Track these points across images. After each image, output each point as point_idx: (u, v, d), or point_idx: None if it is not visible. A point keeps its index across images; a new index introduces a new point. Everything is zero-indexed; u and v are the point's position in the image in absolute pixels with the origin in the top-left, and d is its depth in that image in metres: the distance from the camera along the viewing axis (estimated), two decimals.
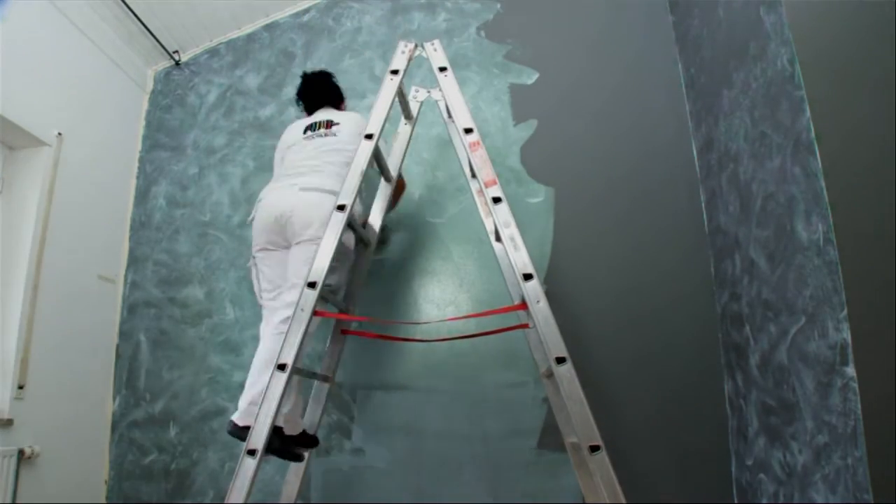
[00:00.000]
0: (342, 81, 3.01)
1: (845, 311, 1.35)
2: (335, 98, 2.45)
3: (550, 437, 2.28)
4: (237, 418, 1.84)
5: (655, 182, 2.44)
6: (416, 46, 2.03)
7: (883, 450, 1.28)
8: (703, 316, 2.19)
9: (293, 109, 3.04)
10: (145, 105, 3.30)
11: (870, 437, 1.29)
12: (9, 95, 2.35)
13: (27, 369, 2.35)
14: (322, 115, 2.30)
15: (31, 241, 2.44)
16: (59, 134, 2.62)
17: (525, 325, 1.87)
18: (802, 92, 1.49)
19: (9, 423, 2.26)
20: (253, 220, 2.09)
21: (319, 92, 2.41)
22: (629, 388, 2.25)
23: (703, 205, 2.41)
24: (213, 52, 3.31)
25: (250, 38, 3.28)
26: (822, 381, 1.48)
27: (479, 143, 1.79)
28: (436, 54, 1.97)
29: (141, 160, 3.19)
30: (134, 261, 3.00)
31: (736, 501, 2.02)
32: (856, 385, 1.32)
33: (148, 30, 3.06)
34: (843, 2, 1.52)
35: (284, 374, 1.58)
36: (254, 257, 2.09)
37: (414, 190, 2.75)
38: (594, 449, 1.40)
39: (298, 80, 3.05)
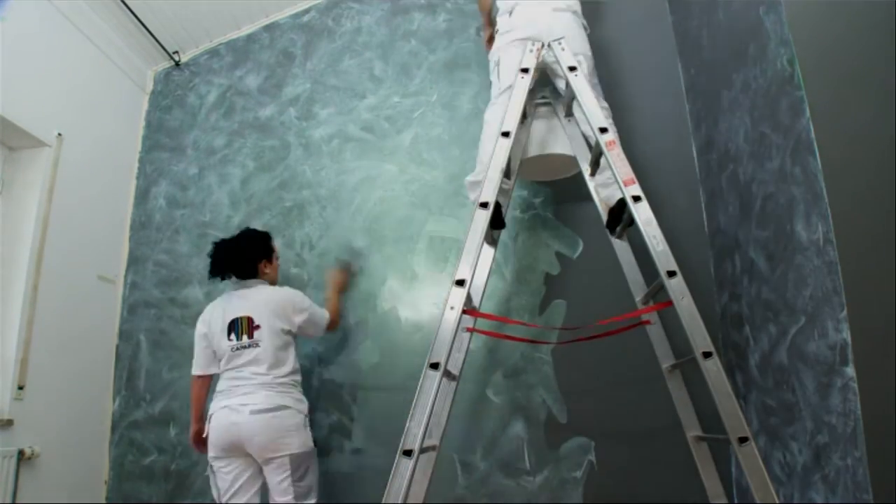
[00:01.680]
0: (342, 81, 3.04)
1: (845, 312, 1.35)
2: (248, 265, 2.27)
3: (555, 435, 2.28)
4: None
5: (655, 182, 2.43)
6: (542, 46, 2.03)
7: (883, 450, 1.28)
8: (702, 316, 2.19)
9: (293, 110, 3.04)
10: (145, 105, 3.30)
11: (869, 437, 1.29)
12: (9, 95, 2.35)
13: (27, 369, 2.35)
14: (238, 304, 2.18)
15: (31, 242, 2.44)
16: (59, 134, 2.62)
17: (647, 322, 1.89)
18: (802, 92, 1.49)
19: (9, 423, 2.25)
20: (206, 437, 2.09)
21: (229, 262, 2.26)
22: (628, 388, 2.25)
23: (703, 205, 2.41)
24: (212, 53, 3.31)
25: (250, 38, 3.28)
26: (821, 381, 1.48)
27: (615, 142, 1.81)
28: (563, 53, 1.98)
29: (141, 161, 3.19)
30: (134, 261, 2.99)
31: (736, 501, 2.02)
32: (855, 385, 1.32)
33: (148, 30, 3.06)
34: (843, 2, 1.52)
35: (437, 372, 1.57)
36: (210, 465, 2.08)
37: (413, 189, 2.75)
38: (742, 440, 1.40)
39: (298, 82, 3.05)
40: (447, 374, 1.67)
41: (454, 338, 1.62)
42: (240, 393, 2.04)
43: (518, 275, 2.50)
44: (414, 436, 1.52)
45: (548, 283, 2.47)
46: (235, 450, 2.00)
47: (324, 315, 2.30)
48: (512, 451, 2.30)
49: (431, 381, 1.57)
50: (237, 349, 2.11)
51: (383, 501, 1.45)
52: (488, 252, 2.05)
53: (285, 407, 2.03)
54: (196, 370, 2.21)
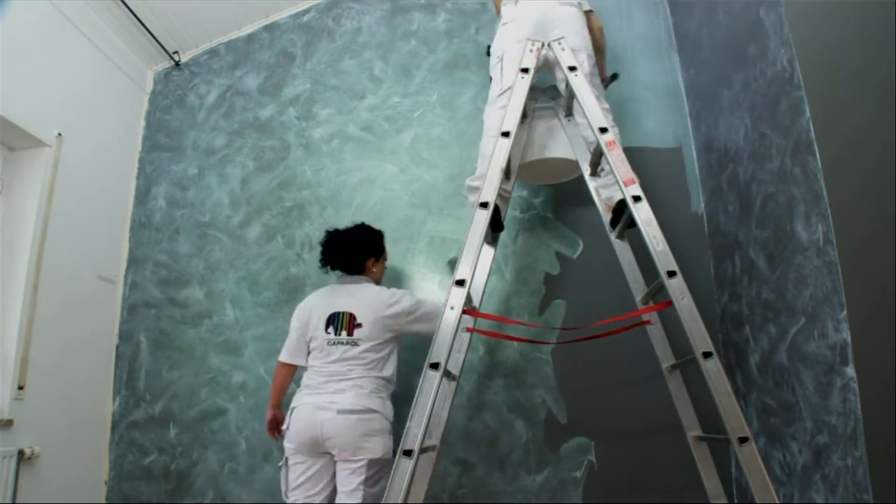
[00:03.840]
0: (342, 81, 3.04)
1: (845, 312, 1.35)
2: (357, 260, 2.20)
3: (555, 435, 2.28)
4: None
5: (655, 182, 2.44)
6: (543, 46, 2.01)
7: (883, 450, 1.28)
8: (702, 316, 2.19)
9: (293, 110, 3.04)
10: (145, 105, 3.30)
11: (869, 437, 1.29)
12: (9, 95, 2.35)
13: (27, 370, 2.35)
14: (342, 300, 2.12)
15: (31, 242, 2.44)
16: (59, 134, 2.61)
17: (647, 322, 1.89)
18: (802, 92, 1.49)
19: (9, 423, 2.25)
20: (287, 429, 2.01)
21: (339, 254, 2.21)
22: (629, 388, 2.26)
23: (703, 205, 2.41)
24: (212, 53, 3.31)
25: (250, 38, 3.28)
26: (821, 381, 1.48)
27: (615, 142, 1.79)
28: (563, 53, 1.97)
29: (141, 161, 3.19)
30: (134, 261, 2.99)
31: (736, 501, 2.02)
32: (855, 385, 1.32)
33: (148, 30, 3.06)
34: (843, 2, 1.52)
35: (437, 372, 1.57)
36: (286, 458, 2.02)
37: (413, 189, 2.75)
38: (742, 440, 1.40)
39: (298, 82, 3.01)
40: (447, 374, 1.67)
41: (454, 338, 1.62)
42: (329, 390, 1.97)
43: (518, 275, 2.50)
44: (414, 436, 1.52)
45: (548, 283, 2.47)
46: (315, 446, 1.93)
47: (436, 309, 2.07)
48: (512, 451, 2.31)
49: (431, 382, 1.57)
50: (333, 343, 2.04)
51: (384, 501, 1.45)
52: (488, 252, 2.05)
53: (373, 410, 1.95)
54: (283, 357, 2.15)
